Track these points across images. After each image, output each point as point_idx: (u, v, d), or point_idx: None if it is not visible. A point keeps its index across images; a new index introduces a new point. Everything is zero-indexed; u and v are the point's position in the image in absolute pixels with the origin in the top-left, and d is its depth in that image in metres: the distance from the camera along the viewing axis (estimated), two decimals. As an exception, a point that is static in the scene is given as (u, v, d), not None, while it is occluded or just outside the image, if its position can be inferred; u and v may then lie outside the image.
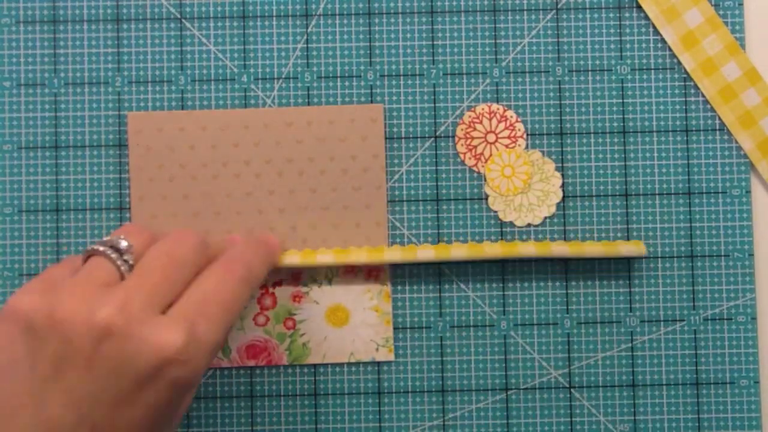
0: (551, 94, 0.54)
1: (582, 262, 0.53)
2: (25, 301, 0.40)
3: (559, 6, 0.54)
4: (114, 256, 0.42)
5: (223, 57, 0.54)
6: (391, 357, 0.53)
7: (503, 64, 0.54)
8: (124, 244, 0.42)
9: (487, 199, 0.53)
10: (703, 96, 0.53)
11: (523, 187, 0.53)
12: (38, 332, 0.39)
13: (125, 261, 0.42)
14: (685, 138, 0.53)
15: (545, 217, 0.53)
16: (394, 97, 0.54)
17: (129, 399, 0.39)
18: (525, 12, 0.54)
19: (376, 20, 0.54)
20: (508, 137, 0.54)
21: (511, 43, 0.54)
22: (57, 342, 0.39)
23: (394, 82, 0.54)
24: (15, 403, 0.38)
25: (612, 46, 0.54)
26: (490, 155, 0.53)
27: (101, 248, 0.42)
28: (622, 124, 0.54)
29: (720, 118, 0.53)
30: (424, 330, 0.53)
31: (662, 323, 0.53)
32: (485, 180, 0.53)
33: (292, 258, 0.51)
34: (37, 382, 0.39)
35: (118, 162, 0.53)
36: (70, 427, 0.38)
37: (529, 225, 0.53)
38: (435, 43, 0.54)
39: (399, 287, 0.53)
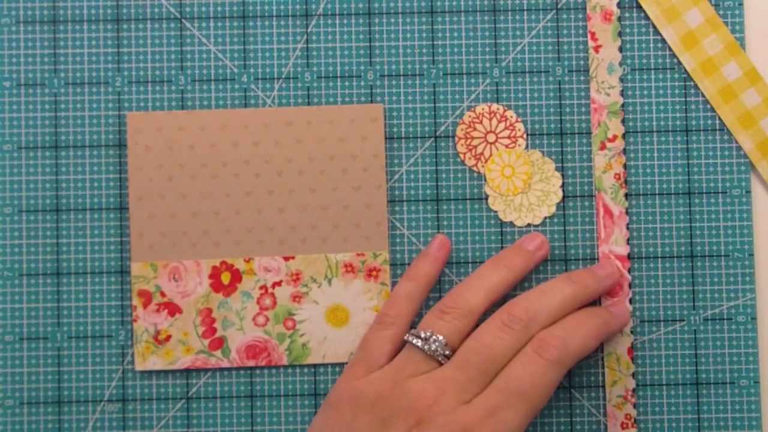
0: (551, 94, 0.54)
1: (582, 263, 0.53)
2: (349, 386, 0.48)
3: (559, 6, 0.54)
4: (429, 353, 0.47)
5: (223, 57, 0.54)
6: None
7: (503, 64, 0.54)
8: (438, 343, 0.47)
9: (487, 199, 0.53)
10: (704, 96, 0.53)
11: (523, 187, 0.53)
12: (364, 408, 0.46)
13: (442, 355, 0.47)
14: (685, 138, 0.53)
15: (545, 217, 0.53)
16: (394, 97, 0.54)
17: None
18: (525, 12, 0.54)
19: (376, 20, 0.54)
20: (508, 137, 0.53)
21: (511, 43, 0.54)
22: (378, 421, 0.46)
23: (394, 82, 0.54)
24: None
25: (612, 46, 0.54)
26: (490, 155, 0.53)
27: (412, 340, 0.48)
28: (622, 124, 0.53)
29: (720, 118, 0.53)
30: (424, 330, 0.53)
31: (662, 323, 0.53)
32: (485, 180, 0.53)
33: None
34: None
35: (118, 162, 0.53)
36: None
37: (529, 225, 0.53)
38: (435, 43, 0.54)
39: (399, 287, 0.53)
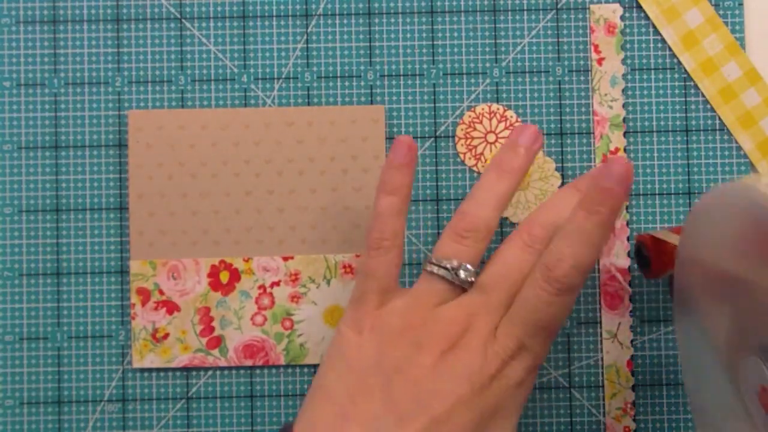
0: (551, 94, 0.54)
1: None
2: (372, 316, 0.46)
3: (559, 6, 0.54)
4: (449, 277, 0.46)
5: (223, 57, 0.54)
6: (391, 357, 0.53)
7: (503, 64, 0.54)
8: (466, 271, 0.46)
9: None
10: (704, 96, 0.53)
11: (524, 185, 0.53)
12: (393, 336, 0.45)
13: (468, 282, 0.46)
14: (685, 138, 0.53)
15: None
16: (394, 98, 0.54)
17: (466, 400, 0.43)
18: (525, 12, 0.54)
19: (376, 20, 0.54)
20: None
21: (511, 43, 0.54)
22: (408, 346, 0.44)
23: (394, 82, 0.54)
24: (368, 383, 0.44)
25: (612, 46, 0.54)
26: (491, 154, 0.53)
27: (436, 270, 0.46)
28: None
29: (720, 118, 0.53)
30: (424, 330, 0.53)
31: (662, 323, 0.53)
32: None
33: None
34: (384, 375, 0.44)
35: (118, 162, 0.53)
36: (416, 414, 0.43)
37: (528, 224, 0.53)
38: (435, 43, 0.54)
39: (398, 287, 0.53)
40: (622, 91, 0.53)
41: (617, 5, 0.53)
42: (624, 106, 0.53)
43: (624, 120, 0.53)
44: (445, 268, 0.45)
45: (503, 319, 0.45)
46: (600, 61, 0.53)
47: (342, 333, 0.46)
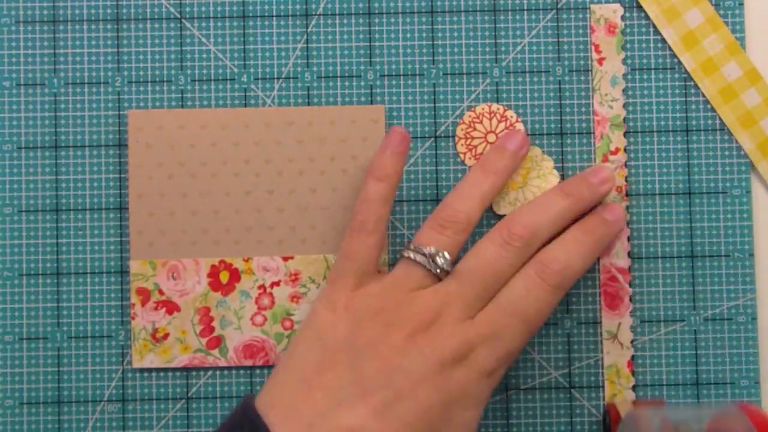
0: (551, 94, 0.54)
1: (582, 262, 0.53)
2: (346, 296, 0.47)
3: (559, 6, 0.54)
4: (426, 264, 0.47)
5: (223, 57, 0.54)
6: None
7: (503, 64, 0.54)
8: (443, 258, 0.47)
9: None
10: (704, 96, 0.53)
11: (522, 183, 0.53)
12: (367, 316, 0.46)
13: (444, 271, 0.47)
14: (686, 138, 0.53)
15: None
16: (394, 97, 0.54)
17: (431, 380, 0.44)
18: (525, 12, 0.54)
19: (376, 20, 0.54)
20: (508, 137, 0.53)
21: (511, 43, 0.54)
22: (381, 326, 0.45)
23: (394, 82, 0.54)
24: (337, 358, 0.45)
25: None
26: (490, 155, 0.53)
27: (413, 256, 0.47)
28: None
29: (720, 118, 0.53)
30: (424, 330, 0.53)
31: (662, 323, 0.53)
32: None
33: None
34: (354, 351, 0.45)
35: (118, 162, 0.53)
36: (380, 388, 0.44)
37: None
38: (435, 43, 0.54)
39: (398, 287, 0.53)
40: (623, 91, 0.53)
41: (618, 5, 0.53)
42: (624, 105, 0.53)
43: (624, 120, 0.53)
44: (423, 254, 0.47)
45: (486, 306, 0.46)
46: (600, 60, 0.53)
47: (316, 311, 0.47)
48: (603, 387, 0.53)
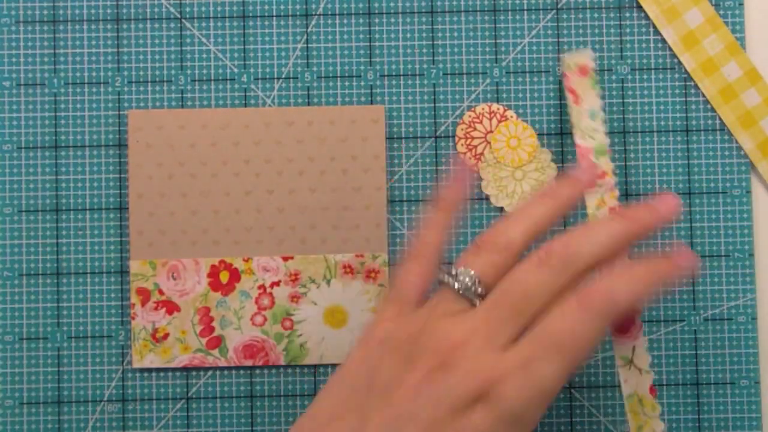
0: (551, 94, 0.54)
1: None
2: (380, 328, 0.43)
3: (559, 6, 0.54)
4: (461, 291, 0.43)
5: (223, 57, 0.54)
6: (391, 357, 0.53)
7: (503, 64, 0.54)
8: (470, 277, 0.43)
9: (488, 198, 0.53)
10: (704, 96, 0.53)
11: (528, 159, 0.53)
12: (391, 349, 0.42)
13: (474, 293, 0.43)
14: (686, 138, 0.53)
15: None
16: (394, 98, 0.54)
17: (442, 426, 0.40)
18: (525, 12, 0.54)
19: (376, 20, 0.54)
20: (508, 137, 0.53)
21: (511, 43, 0.54)
22: (401, 362, 0.41)
23: (394, 82, 0.54)
24: (348, 404, 0.42)
25: (612, 46, 0.54)
26: (491, 155, 0.53)
27: (443, 278, 0.43)
28: (622, 124, 0.53)
29: (720, 118, 0.53)
30: (424, 330, 0.53)
31: (662, 323, 0.53)
32: (484, 158, 0.53)
33: None
34: (370, 396, 0.41)
35: (118, 162, 0.53)
36: None
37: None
38: (435, 43, 0.54)
39: (398, 287, 0.53)
40: (603, 121, 0.51)
41: (588, 51, 0.52)
42: (623, 106, 0.53)
43: (609, 145, 0.53)
44: (450, 274, 0.43)
45: (521, 338, 0.41)
46: (577, 100, 0.51)
47: (357, 341, 0.44)
48: (603, 388, 0.53)
